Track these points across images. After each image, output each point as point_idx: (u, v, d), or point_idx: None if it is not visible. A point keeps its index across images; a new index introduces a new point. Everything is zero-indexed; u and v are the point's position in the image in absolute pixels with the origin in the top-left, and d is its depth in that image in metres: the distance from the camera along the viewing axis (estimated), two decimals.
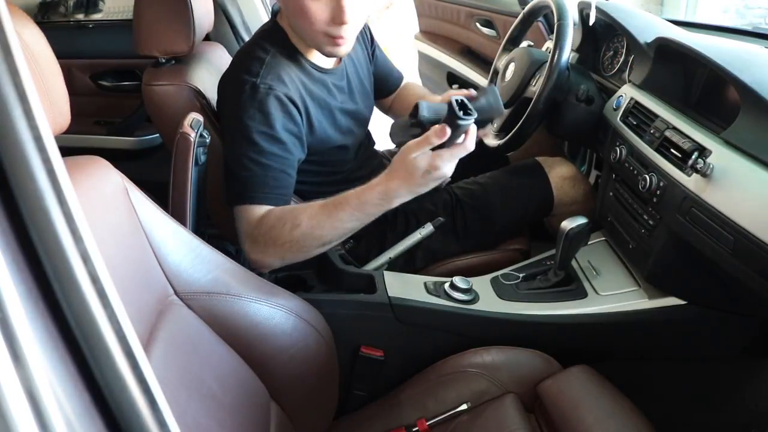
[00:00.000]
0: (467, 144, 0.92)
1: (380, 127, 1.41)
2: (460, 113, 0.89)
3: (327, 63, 1.20)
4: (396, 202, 0.98)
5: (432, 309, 1.07)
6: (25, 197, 0.31)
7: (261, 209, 1.04)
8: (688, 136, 0.98)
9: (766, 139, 0.85)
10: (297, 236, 0.99)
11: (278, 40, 1.13)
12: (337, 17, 1.02)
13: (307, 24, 1.04)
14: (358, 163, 1.32)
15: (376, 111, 1.47)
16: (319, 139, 1.16)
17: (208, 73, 1.38)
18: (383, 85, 1.48)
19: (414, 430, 0.95)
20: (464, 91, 1.10)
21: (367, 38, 1.38)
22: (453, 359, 1.05)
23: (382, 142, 1.55)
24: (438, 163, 0.91)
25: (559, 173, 1.40)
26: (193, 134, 1.04)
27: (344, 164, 1.27)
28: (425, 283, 1.13)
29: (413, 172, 0.93)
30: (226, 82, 1.16)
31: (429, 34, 2.47)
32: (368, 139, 1.40)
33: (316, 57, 1.17)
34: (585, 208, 1.36)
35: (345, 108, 1.23)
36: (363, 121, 1.33)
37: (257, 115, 1.04)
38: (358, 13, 1.05)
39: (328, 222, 0.99)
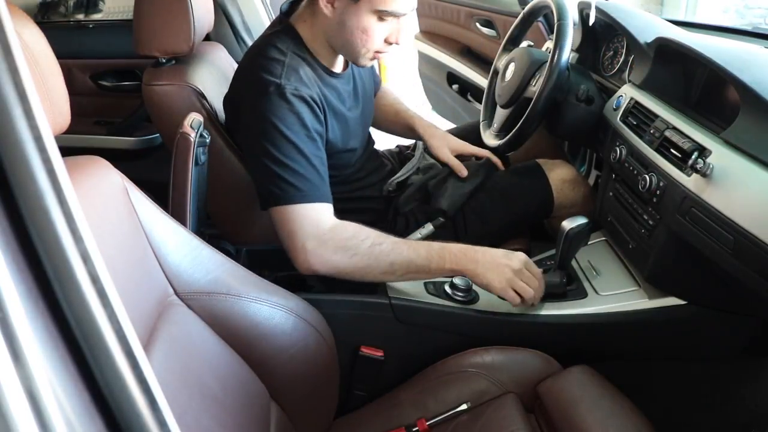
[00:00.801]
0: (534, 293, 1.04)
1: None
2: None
3: (338, 67, 1.20)
4: (462, 264, 1.03)
5: (432, 309, 1.07)
6: (25, 197, 0.31)
7: (326, 209, 1.05)
8: (688, 136, 0.98)
9: (766, 139, 0.85)
10: (374, 252, 1.01)
11: (293, 43, 1.13)
12: (395, 38, 1.11)
13: (365, 41, 1.09)
14: (360, 164, 1.32)
15: None
16: (331, 142, 1.16)
17: (208, 73, 1.38)
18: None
19: (414, 430, 0.95)
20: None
21: None
22: (453, 359, 1.05)
23: (382, 142, 1.56)
24: (523, 270, 1.04)
25: (559, 175, 1.40)
26: (193, 134, 1.04)
27: (347, 167, 1.27)
28: (425, 283, 1.13)
29: (503, 262, 1.03)
30: (244, 83, 1.14)
31: (429, 34, 2.47)
32: (369, 142, 1.40)
33: (328, 61, 1.17)
34: (584, 211, 1.36)
35: (353, 112, 1.23)
36: (367, 124, 1.34)
37: (290, 116, 1.04)
38: (409, 31, 1.14)
39: (406, 252, 1.02)
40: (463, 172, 1.39)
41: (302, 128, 1.05)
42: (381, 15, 1.06)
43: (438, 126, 1.51)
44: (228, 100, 1.23)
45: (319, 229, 1.02)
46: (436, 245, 1.04)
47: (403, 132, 1.53)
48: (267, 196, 1.06)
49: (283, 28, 1.16)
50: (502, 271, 1.01)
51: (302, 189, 1.03)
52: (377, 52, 1.12)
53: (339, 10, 1.07)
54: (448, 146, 1.44)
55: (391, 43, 1.11)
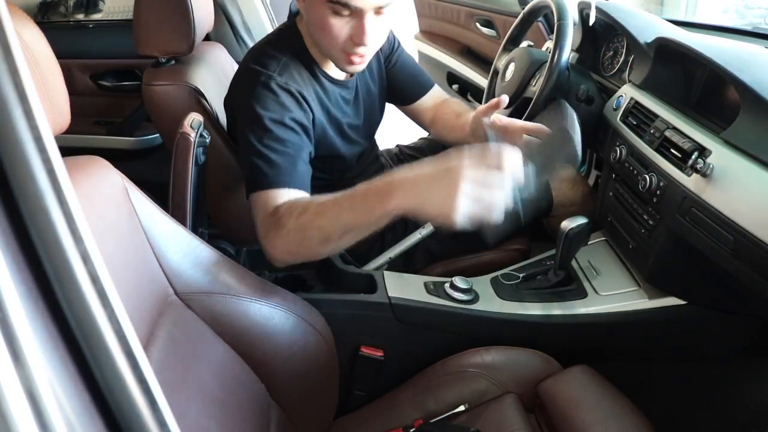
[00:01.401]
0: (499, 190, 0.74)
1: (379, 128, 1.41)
2: None
3: (339, 75, 1.18)
4: (395, 201, 0.78)
5: (432, 309, 1.07)
6: (25, 197, 0.31)
7: (278, 195, 0.97)
8: (688, 136, 0.98)
9: (766, 139, 0.85)
10: (301, 223, 0.89)
11: (294, 45, 1.11)
12: (357, 37, 1.00)
13: (327, 38, 1.03)
14: (359, 170, 1.31)
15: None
16: (323, 147, 1.15)
17: (208, 73, 1.38)
18: (403, 92, 1.39)
19: (412, 430, 0.95)
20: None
21: (388, 45, 1.32)
22: (453, 359, 1.05)
23: (382, 142, 1.55)
24: (473, 176, 0.72)
25: (558, 174, 1.40)
26: (193, 134, 1.04)
27: (344, 172, 1.26)
28: (425, 283, 1.13)
29: (435, 175, 0.75)
30: (239, 77, 1.13)
31: (429, 34, 2.47)
32: (372, 147, 1.39)
33: (329, 67, 1.15)
34: (583, 210, 1.36)
35: (351, 122, 1.21)
36: (368, 134, 1.32)
37: (272, 104, 1.02)
38: (378, 34, 1.02)
39: (330, 210, 0.87)
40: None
41: (284, 118, 1.02)
42: (334, 8, 0.97)
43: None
44: (227, 97, 1.23)
45: (265, 214, 0.96)
46: (360, 189, 0.84)
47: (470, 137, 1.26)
48: (246, 185, 1.02)
49: (287, 28, 1.15)
50: (447, 202, 0.72)
51: (263, 176, 0.98)
52: (346, 53, 1.04)
53: (306, 4, 1.04)
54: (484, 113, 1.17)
55: (358, 44, 1.01)
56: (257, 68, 1.06)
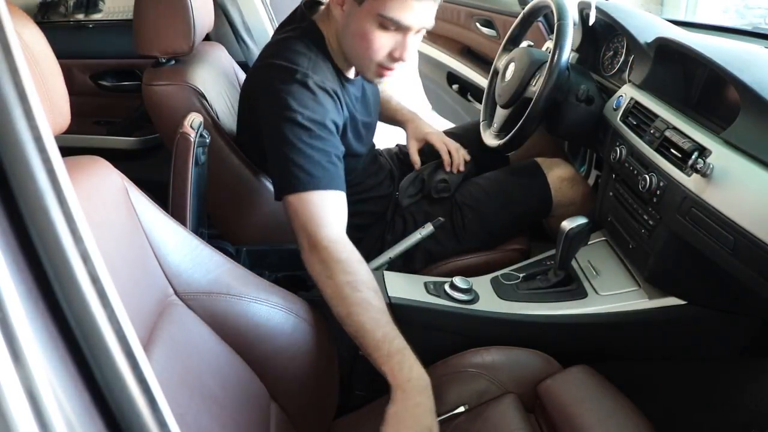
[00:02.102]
0: None
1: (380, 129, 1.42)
2: None
3: (351, 74, 1.19)
4: (396, 393, 0.88)
5: (432, 309, 1.07)
6: (25, 197, 0.31)
7: (324, 197, 0.98)
8: (688, 136, 0.98)
9: (766, 139, 0.85)
10: (344, 293, 0.91)
11: (317, 44, 1.10)
12: (399, 53, 1.03)
13: (366, 50, 1.04)
14: (362, 170, 1.32)
15: None
16: (344, 146, 1.15)
17: (208, 73, 1.38)
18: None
19: None
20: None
21: None
22: (453, 359, 1.05)
23: (382, 142, 1.56)
24: None
25: (558, 174, 1.40)
26: (193, 134, 1.04)
27: (350, 173, 1.27)
28: (425, 283, 1.13)
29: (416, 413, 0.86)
30: (265, 73, 1.09)
31: (429, 34, 2.45)
32: (372, 147, 1.40)
33: (343, 66, 1.15)
34: (583, 209, 1.36)
35: (363, 119, 1.23)
36: (374, 131, 1.34)
37: (311, 104, 1.02)
38: (415, 51, 1.06)
39: (367, 319, 0.90)
40: (416, 165, 1.43)
41: (323, 118, 1.03)
42: (383, 22, 1.00)
43: (416, 113, 1.52)
44: (244, 94, 1.22)
45: (321, 231, 0.95)
46: (397, 344, 0.90)
47: (388, 120, 1.54)
48: (282, 185, 1.01)
49: (307, 25, 1.13)
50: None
51: (316, 175, 0.98)
52: (381, 66, 1.07)
53: (346, 12, 1.05)
54: (415, 137, 1.45)
55: (397, 60, 1.05)
56: (288, 65, 1.04)
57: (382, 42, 1.02)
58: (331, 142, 1.03)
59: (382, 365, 0.89)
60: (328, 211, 0.99)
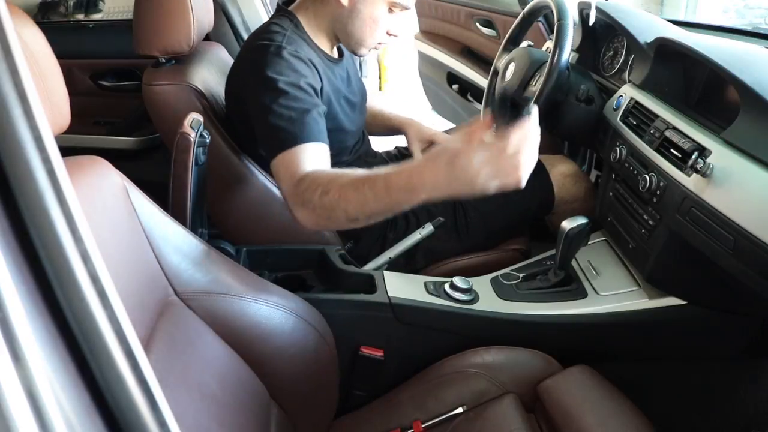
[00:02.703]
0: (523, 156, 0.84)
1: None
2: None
3: (334, 54, 1.26)
4: (422, 196, 0.85)
5: (432, 309, 1.07)
6: (25, 197, 0.31)
7: (301, 152, 0.99)
8: (688, 136, 0.98)
9: (766, 139, 0.85)
10: (325, 203, 0.92)
11: (293, 26, 1.18)
12: (397, 30, 1.19)
13: (373, 30, 1.16)
14: (356, 156, 1.32)
15: None
16: (329, 118, 1.17)
17: (208, 73, 1.37)
18: None
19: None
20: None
21: None
22: (453, 359, 1.05)
23: (380, 145, 1.56)
24: (484, 156, 0.81)
25: (561, 171, 1.40)
26: (193, 134, 1.04)
27: (342, 152, 1.27)
28: (425, 283, 1.13)
29: (445, 168, 0.82)
30: (243, 59, 1.19)
31: (429, 34, 2.47)
32: (364, 136, 1.42)
33: (325, 47, 1.23)
34: (586, 206, 1.36)
35: (348, 97, 1.27)
36: (360, 113, 1.36)
37: (285, 70, 1.07)
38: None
39: (354, 197, 0.90)
40: None
41: (299, 81, 1.07)
42: (392, 6, 1.14)
43: (413, 118, 1.52)
44: (229, 81, 1.26)
45: (291, 179, 0.98)
46: (380, 183, 0.87)
47: (384, 130, 1.55)
48: (269, 152, 1.04)
49: (282, 13, 1.21)
50: (473, 183, 0.83)
51: (290, 132, 1.01)
52: (379, 42, 1.20)
53: (356, 1, 1.14)
54: (419, 139, 1.45)
55: (391, 35, 1.19)
56: (263, 42, 1.11)
57: (386, 22, 1.17)
58: (310, 100, 1.07)
59: (411, 203, 0.87)
60: (308, 162, 1.00)
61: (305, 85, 1.08)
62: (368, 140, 1.45)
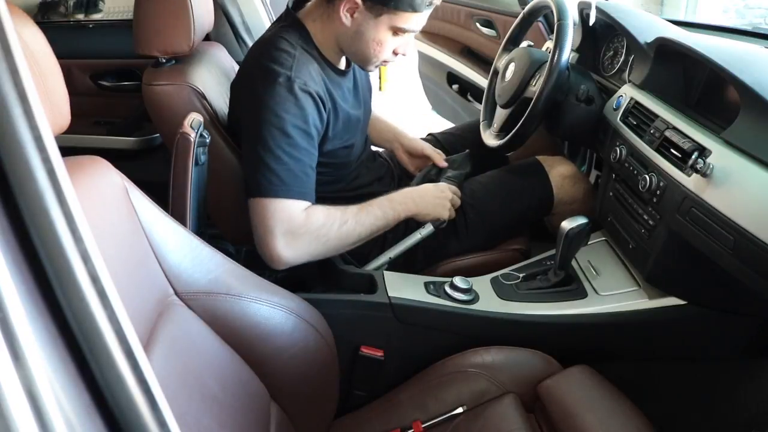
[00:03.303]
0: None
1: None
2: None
3: (342, 65, 1.24)
4: (409, 208, 1.20)
5: (432, 309, 1.07)
6: (25, 197, 0.31)
7: (301, 204, 1.08)
8: (688, 136, 0.98)
9: (766, 139, 0.85)
10: (344, 233, 1.11)
11: (302, 39, 1.15)
12: (403, 50, 1.18)
13: (377, 52, 1.15)
14: (358, 164, 1.32)
15: None
16: (331, 138, 1.18)
17: (208, 73, 1.37)
18: None
19: None
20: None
21: None
22: (453, 359, 1.05)
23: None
24: (452, 198, 1.26)
25: (560, 172, 1.40)
26: (193, 134, 1.04)
27: (345, 167, 1.27)
28: (425, 283, 1.13)
29: (429, 190, 1.25)
30: (252, 71, 1.16)
31: (429, 34, 2.47)
32: (367, 143, 1.41)
33: (334, 59, 1.20)
34: (585, 207, 1.36)
35: (353, 111, 1.25)
36: (365, 125, 1.35)
37: (294, 108, 1.06)
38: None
39: (367, 220, 1.14)
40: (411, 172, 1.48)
41: (303, 123, 1.07)
42: (396, 31, 1.12)
43: (401, 130, 1.53)
44: (233, 87, 1.25)
45: (294, 223, 1.06)
46: (385, 201, 1.19)
47: (375, 141, 1.53)
48: (253, 186, 1.08)
49: (291, 22, 1.18)
50: (442, 204, 1.23)
51: (288, 183, 1.06)
52: (385, 61, 1.18)
53: (358, 21, 1.11)
54: (410, 152, 1.48)
55: (398, 54, 1.18)
56: (274, 66, 1.08)
57: (391, 44, 1.15)
58: (308, 151, 1.09)
59: (400, 219, 1.21)
60: (300, 210, 1.08)
61: (312, 129, 1.09)
62: (370, 142, 1.45)
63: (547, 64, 1.25)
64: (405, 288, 1.10)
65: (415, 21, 1.11)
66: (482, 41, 2.15)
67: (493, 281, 1.19)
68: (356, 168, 1.31)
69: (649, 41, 1.19)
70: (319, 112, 1.11)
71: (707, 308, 1.06)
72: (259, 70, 1.10)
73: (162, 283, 0.78)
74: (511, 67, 1.43)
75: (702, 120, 1.02)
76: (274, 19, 2.00)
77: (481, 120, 1.55)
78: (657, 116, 1.09)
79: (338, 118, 1.18)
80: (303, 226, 1.07)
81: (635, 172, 1.09)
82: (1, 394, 0.27)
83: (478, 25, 2.14)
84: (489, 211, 1.35)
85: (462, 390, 0.98)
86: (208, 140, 1.10)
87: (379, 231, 1.18)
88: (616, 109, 1.23)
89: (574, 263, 1.22)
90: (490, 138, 1.46)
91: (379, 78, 4.59)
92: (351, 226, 1.12)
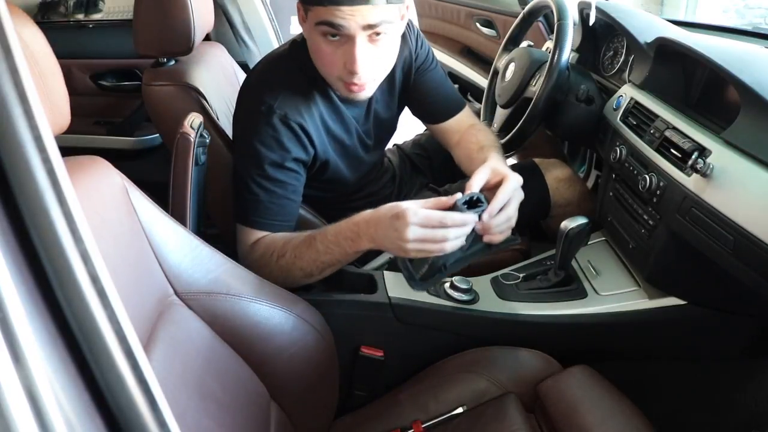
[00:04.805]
0: (447, 243, 0.88)
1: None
2: (464, 207, 0.89)
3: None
4: (363, 243, 0.95)
5: (432, 309, 1.07)
6: (25, 197, 0.31)
7: (257, 234, 1.07)
8: (688, 136, 0.98)
9: (766, 139, 0.85)
10: (282, 265, 1.02)
11: (302, 62, 1.07)
12: (349, 65, 0.96)
13: (322, 66, 1.02)
14: (360, 185, 1.31)
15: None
16: (327, 171, 1.16)
17: (208, 73, 1.38)
18: (427, 111, 1.31)
19: None
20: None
21: (424, 56, 1.25)
22: (453, 359, 1.05)
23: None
24: (418, 232, 0.86)
25: (555, 175, 1.39)
26: (193, 134, 1.04)
27: (345, 186, 1.26)
28: None
29: (395, 236, 0.88)
30: (245, 92, 1.13)
31: (429, 34, 2.47)
32: (379, 160, 1.36)
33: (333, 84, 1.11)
34: (580, 210, 1.36)
35: (359, 144, 1.21)
36: (378, 153, 1.32)
37: (270, 142, 1.03)
38: (373, 60, 0.98)
39: (307, 253, 1.00)
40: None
41: (283, 160, 1.04)
42: (324, 32, 0.94)
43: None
44: (236, 105, 1.22)
45: (245, 248, 1.07)
46: (330, 234, 0.98)
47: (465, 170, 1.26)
48: (234, 206, 1.09)
49: (300, 42, 1.10)
50: (398, 245, 0.89)
51: (247, 213, 1.06)
52: (341, 80, 1.01)
53: (306, 30, 1.01)
54: (493, 170, 1.05)
55: (350, 72, 0.97)
56: (261, 91, 1.06)
57: (331, 54, 0.97)
58: (287, 182, 1.06)
59: (353, 255, 0.99)
60: (243, 241, 1.08)
61: (290, 163, 1.05)
62: (383, 159, 1.41)
63: (547, 64, 1.25)
64: (405, 288, 1.10)
65: (332, 11, 0.91)
66: (482, 41, 2.15)
67: (493, 281, 1.19)
68: (356, 187, 1.30)
69: (649, 41, 1.19)
70: (301, 145, 1.06)
71: (707, 308, 1.06)
72: (248, 91, 1.11)
73: (162, 283, 0.78)
74: (511, 67, 1.43)
75: (702, 120, 1.02)
76: (274, 19, 2.02)
77: (481, 120, 1.55)
78: (657, 116, 1.09)
79: (334, 146, 1.15)
80: (250, 253, 1.06)
81: (635, 172, 1.09)
82: (1, 394, 0.27)
83: (478, 25, 2.15)
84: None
85: (462, 390, 0.98)
86: (208, 140, 1.10)
87: (333, 265, 1.00)
88: (616, 109, 1.23)
89: (574, 263, 1.22)
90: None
91: None
92: (289, 260, 1.00)
